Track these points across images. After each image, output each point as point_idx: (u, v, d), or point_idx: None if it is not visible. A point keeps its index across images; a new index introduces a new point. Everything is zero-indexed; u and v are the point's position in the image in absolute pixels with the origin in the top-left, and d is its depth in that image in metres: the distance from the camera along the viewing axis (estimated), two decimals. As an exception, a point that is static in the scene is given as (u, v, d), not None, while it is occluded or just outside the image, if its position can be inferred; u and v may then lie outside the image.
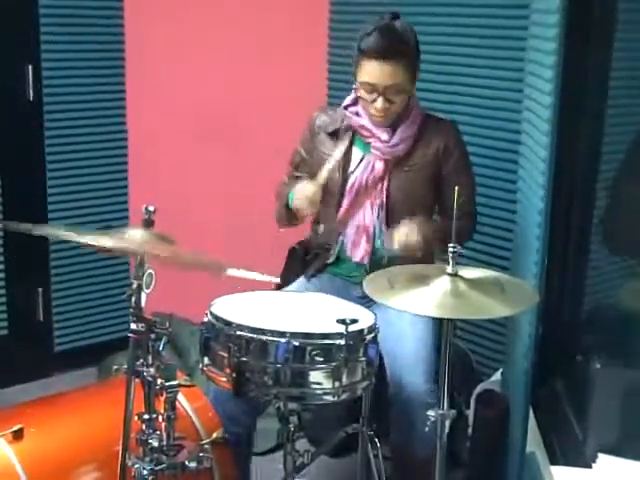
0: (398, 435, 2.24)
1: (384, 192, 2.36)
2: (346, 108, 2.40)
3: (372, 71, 2.23)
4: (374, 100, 2.26)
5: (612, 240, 2.30)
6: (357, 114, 2.38)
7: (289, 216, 2.41)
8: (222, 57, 3.38)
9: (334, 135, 2.41)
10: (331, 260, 2.45)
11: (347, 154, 2.39)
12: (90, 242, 1.75)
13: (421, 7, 2.97)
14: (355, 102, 2.39)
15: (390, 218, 2.36)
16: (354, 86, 2.33)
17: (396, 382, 2.19)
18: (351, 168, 2.39)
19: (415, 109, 2.37)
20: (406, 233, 2.22)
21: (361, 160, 2.38)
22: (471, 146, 2.51)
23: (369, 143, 2.36)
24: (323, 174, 2.31)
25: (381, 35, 2.22)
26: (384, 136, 2.33)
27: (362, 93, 2.29)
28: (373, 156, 2.36)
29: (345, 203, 2.39)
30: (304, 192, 2.30)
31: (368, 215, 2.37)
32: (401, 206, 2.36)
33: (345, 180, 2.39)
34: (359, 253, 2.39)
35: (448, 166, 2.37)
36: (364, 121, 2.36)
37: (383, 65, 2.21)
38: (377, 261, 2.38)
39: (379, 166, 2.36)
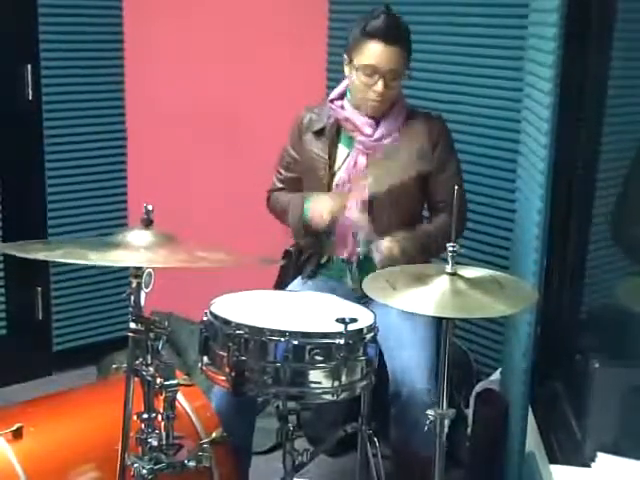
0: (398, 434, 2.25)
1: (367, 188, 2.35)
2: (332, 102, 2.40)
3: (377, 53, 2.24)
4: (374, 83, 2.26)
5: (620, 236, 2.30)
6: (342, 107, 2.38)
7: (307, 228, 2.37)
8: (221, 57, 3.37)
9: (320, 133, 2.41)
10: (324, 260, 2.45)
11: (332, 152, 2.39)
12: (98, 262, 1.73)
13: (420, 6, 2.97)
14: (341, 96, 2.40)
15: (375, 214, 2.36)
16: (347, 70, 2.31)
17: (397, 381, 2.19)
18: (337, 166, 2.39)
19: (399, 103, 2.38)
20: (387, 248, 2.24)
21: (346, 157, 2.39)
22: (470, 146, 2.52)
23: (353, 137, 2.36)
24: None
25: (387, 18, 2.24)
26: (367, 130, 2.34)
27: (361, 77, 2.28)
28: (356, 151, 2.36)
29: None
30: (322, 205, 2.30)
31: (353, 212, 2.37)
32: (384, 201, 2.35)
33: (331, 177, 2.39)
34: (346, 250, 2.39)
35: (433, 159, 2.36)
36: (349, 114, 2.36)
37: (387, 48, 2.23)
38: (363, 258, 2.38)
39: (362, 161, 2.35)
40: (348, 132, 2.38)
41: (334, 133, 2.40)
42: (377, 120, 2.35)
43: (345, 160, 2.39)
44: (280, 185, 2.54)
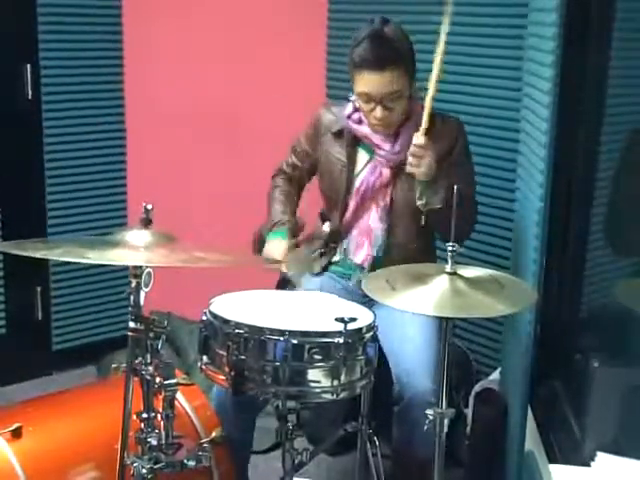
0: (401, 434, 2.24)
1: (388, 196, 2.36)
2: (349, 117, 2.39)
3: (367, 81, 2.22)
4: (372, 109, 2.26)
5: (615, 239, 2.31)
6: (359, 122, 2.37)
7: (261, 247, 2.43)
8: (221, 57, 3.37)
9: (339, 135, 2.41)
10: (336, 259, 2.45)
11: (352, 156, 2.40)
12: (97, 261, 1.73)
13: (419, 6, 2.97)
14: (357, 109, 2.38)
15: (393, 222, 2.37)
16: (351, 97, 2.33)
17: (401, 382, 2.19)
18: (357, 170, 2.40)
19: (415, 114, 2.35)
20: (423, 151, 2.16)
21: (367, 162, 2.39)
22: (470, 145, 2.50)
23: (374, 150, 2.37)
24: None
25: (372, 44, 2.20)
26: (387, 146, 2.33)
27: (360, 104, 2.29)
28: (378, 163, 2.37)
29: (352, 205, 2.39)
30: (276, 249, 2.35)
31: (373, 218, 2.38)
32: (406, 210, 2.35)
33: (350, 181, 2.39)
34: (361, 256, 2.39)
35: (451, 161, 2.36)
36: (366, 129, 2.35)
37: (377, 75, 2.20)
38: (377, 264, 2.38)
39: (386, 172, 2.36)
40: (368, 145, 2.38)
41: (353, 136, 2.40)
42: (396, 133, 2.34)
43: (366, 165, 2.39)
44: (285, 168, 2.56)
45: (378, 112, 2.25)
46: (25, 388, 3.20)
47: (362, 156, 2.40)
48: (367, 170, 2.38)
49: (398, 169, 2.35)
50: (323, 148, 2.43)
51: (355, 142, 2.40)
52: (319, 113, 2.46)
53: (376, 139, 2.34)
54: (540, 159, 2.10)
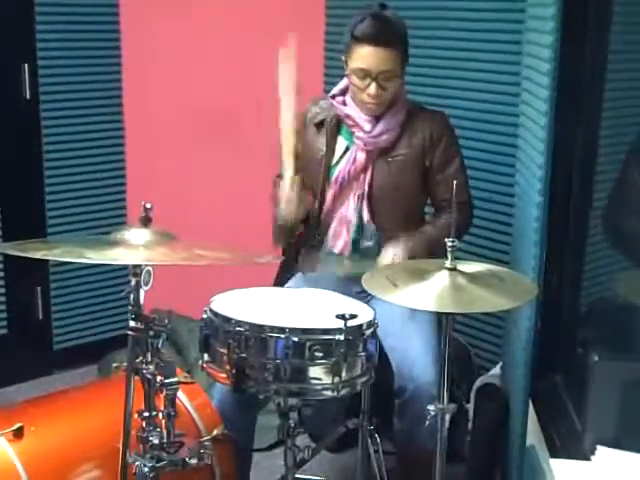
0: (404, 428, 2.24)
1: (366, 183, 2.36)
2: (333, 97, 2.41)
3: (366, 56, 2.24)
4: (367, 86, 2.26)
5: (613, 234, 2.31)
6: (344, 103, 2.38)
7: (282, 231, 2.40)
8: (218, 55, 3.37)
9: (321, 126, 2.42)
10: (323, 253, 2.45)
11: (331, 145, 2.40)
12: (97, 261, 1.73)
13: (417, 11, 2.96)
14: (343, 92, 2.40)
15: (374, 210, 2.37)
16: (346, 73, 2.33)
17: (403, 375, 2.19)
18: (335, 159, 2.40)
19: (401, 100, 2.37)
20: (392, 256, 2.25)
21: (345, 151, 2.39)
22: (469, 140, 2.52)
23: (353, 133, 2.36)
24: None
25: (374, 21, 2.24)
26: (367, 126, 2.33)
27: (354, 80, 2.29)
28: (356, 147, 2.37)
29: (329, 195, 2.40)
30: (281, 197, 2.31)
31: (350, 206, 2.37)
32: (385, 197, 2.36)
33: (328, 171, 2.39)
34: (339, 244, 2.39)
35: (435, 156, 2.36)
36: (349, 110, 2.36)
37: (376, 50, 2.22)
38: (357, 253, 2.38)
39: (361, 157, 2.35)
40: (348, 128, 2.38)
41: (334, 126, 2.40)
42: (378, 116, 2.35)
43: (344, 155, 2.39)
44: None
45: (372, 89, 2.26)
46: (26, 388, 3.20)
47: (341, 145, 2.40)
48: (344, 158, 2.38)
49: (375, 154, 2.35)
50: (307, 140, 2.44)
51: (336, 131, 2.40)
52: (306, 108, 2.47)
53: (358, 118, 2.34)
54: (539, 153, 2.10)
